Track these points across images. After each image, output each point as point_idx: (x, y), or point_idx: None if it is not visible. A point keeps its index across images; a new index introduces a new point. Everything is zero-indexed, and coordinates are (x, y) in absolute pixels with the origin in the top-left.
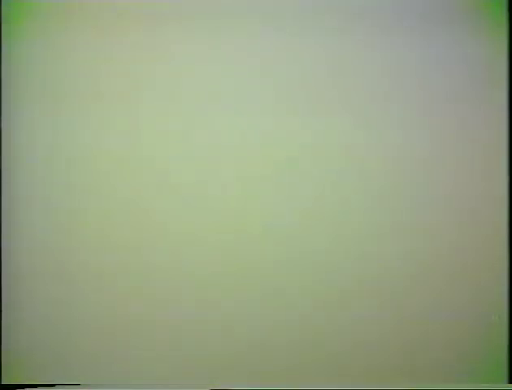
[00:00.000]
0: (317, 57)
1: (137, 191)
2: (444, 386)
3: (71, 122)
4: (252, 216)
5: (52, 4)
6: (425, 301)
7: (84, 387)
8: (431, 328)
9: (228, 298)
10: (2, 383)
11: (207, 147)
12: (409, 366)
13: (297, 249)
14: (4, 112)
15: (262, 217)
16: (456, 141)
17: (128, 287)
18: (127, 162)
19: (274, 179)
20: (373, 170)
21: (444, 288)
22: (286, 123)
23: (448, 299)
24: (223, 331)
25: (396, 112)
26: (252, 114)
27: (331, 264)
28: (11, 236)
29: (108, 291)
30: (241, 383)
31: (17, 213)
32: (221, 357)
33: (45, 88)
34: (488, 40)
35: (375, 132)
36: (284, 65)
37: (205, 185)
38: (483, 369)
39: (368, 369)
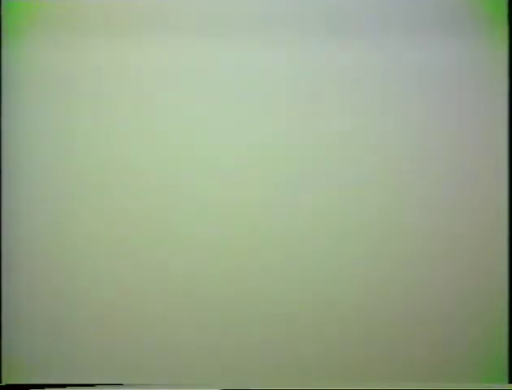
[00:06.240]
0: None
1: (139, 191)
2: (445, 386)
3: (71, 122)
4: (253, 221)
5: (52, 4)
6: (425, 300)
7: (84, 387)
8: (432, 328)
9: (229, 298)
10: (2, 383)
11: (211, 149)
12: (409, 365)
13: (298, 252)
14: (4, 112)
15: (263, 221)
16: (456, 142)
17: (130, 286)
18: (129, 163)
19: (274, 184)
20: (372, 171)
21: (444, 288)
22: (286, 124)
23: (448, 299)
24: (224, 332)
25: (395, 112)
26: (252, 116)
27: (332, 264)
28: (12, 236)
29: (110, 290)
30: (245, 382)
31: (17, 213)
32: (222, 357)
33: (45, 88)
34: (488, 40)
35: (374, 132)
36: (284, 67)
37: (206, 188)
38: (483, 369)
39: (367, 368)
